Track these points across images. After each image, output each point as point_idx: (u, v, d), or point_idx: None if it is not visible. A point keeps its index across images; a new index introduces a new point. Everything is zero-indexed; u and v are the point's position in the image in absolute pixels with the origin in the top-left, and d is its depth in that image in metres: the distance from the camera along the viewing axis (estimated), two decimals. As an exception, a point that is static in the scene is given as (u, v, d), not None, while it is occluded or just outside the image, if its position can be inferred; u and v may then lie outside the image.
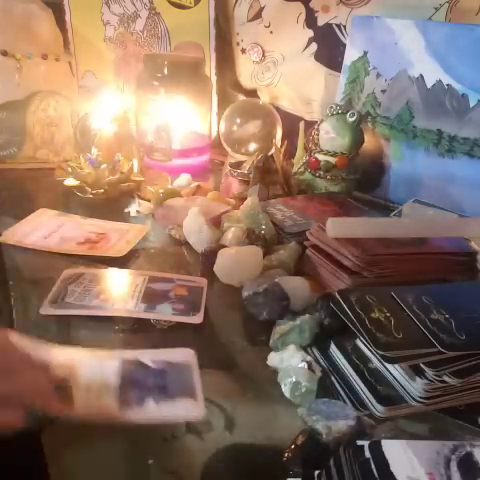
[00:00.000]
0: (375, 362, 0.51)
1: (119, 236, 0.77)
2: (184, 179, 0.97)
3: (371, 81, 0.95)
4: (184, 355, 0.52)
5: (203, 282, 0.67)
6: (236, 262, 0.66)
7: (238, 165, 0.95)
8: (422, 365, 0.45)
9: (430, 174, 0.90)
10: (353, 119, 0.89)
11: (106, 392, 0.46)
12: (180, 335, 0.57)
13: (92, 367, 0.49)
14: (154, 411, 0.44)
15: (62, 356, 0.49)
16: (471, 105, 0.82)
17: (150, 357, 0.51)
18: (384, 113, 0.94)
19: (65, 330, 0.57)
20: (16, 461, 0.45)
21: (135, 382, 0.48)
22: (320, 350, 0.55)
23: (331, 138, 0.91)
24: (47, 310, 0.58)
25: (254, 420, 0.46)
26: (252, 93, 1.20)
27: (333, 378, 0.51)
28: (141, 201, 0.90)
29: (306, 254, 0.69)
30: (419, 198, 0.86)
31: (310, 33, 1.05)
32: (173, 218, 0.81)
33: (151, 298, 0.61)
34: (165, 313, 0.59)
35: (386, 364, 0.48)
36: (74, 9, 1.14)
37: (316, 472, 0.37)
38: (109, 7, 1.16)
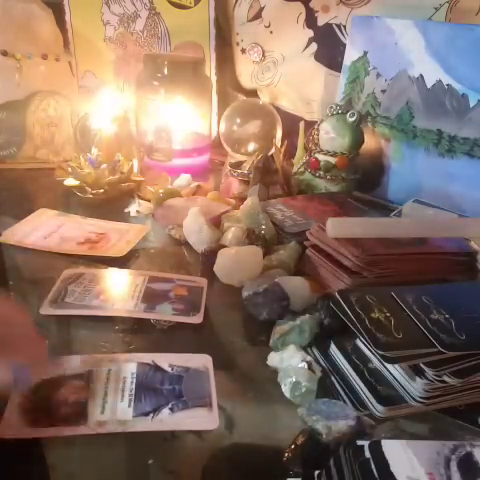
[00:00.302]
0: (375, 362, 0.51)
1: (119, 236, 0.77)
2: (184, 179, 0.97)
3: (371, 81, 0.95)
4: (201, 361, 0.52)
5: (203, 282, 0.66)
6: (236, 262, 0.66)
7: (238, 165, 0.95)
8: (422, 365, 0.45)
9: (430, 174, 0.90)
10: (353, 119, 0.89)
11: (122, 401, 0.46)
12: (180, 335, 0.57)
13: (109, 373, 0.49)
14: (169, 422, 0.44)
15: (79, 364, 0.50)
16: (471, 105, 0.82)
17: (167, 361, 0.51)
18: (384, 113, 0.94)
19: (65, 330, 0.57)
20: (16, 461, 0.45)
21: (151, 388, 0.48)
22: (320, 350, 0.55)
23: (331, 138, 0.91)
24: (47, 310, 0.58)
25: (254, 420, 0.46)
26: (252, 93, 1.20)
27: (333, 378, 0.51)
28: (141, 201, 0.90)
29: (306, 254, 0.69)
30: (419, 198, 0.86)
31: (310, 33, 1.05)
32: (173, 218, 0.81)
33: (151, 298, 0.61)
34: (165, 313, 0.59)
35: (386, 364, 0.48)
36: (74, 9, 1.14)
37: (316, 472, 0.37)
38: (109, 7, 1.16)
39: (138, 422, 0.44)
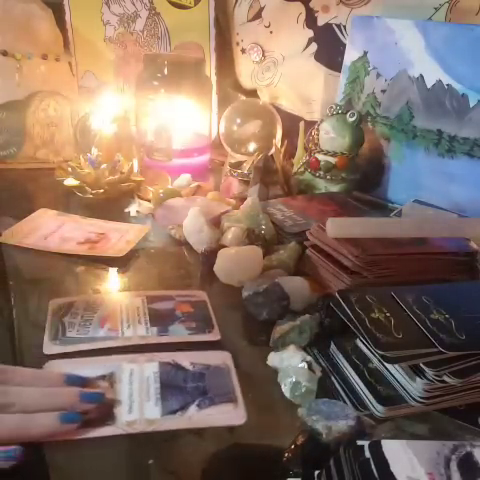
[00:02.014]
0: (375, 362, 0.51)
1: (119, 236, 0.77)
2: (184, 179, 0.97)
3: (371, 81, 0.95)
4: (221, 358, 0.52)
5: (203, 295, 0.64)
6: (236, 262, 0.66)
7: (238, 165, 0.95)
8: (422, 365, 0.45)
9: (430, 174, 0.90)
10: (353, 119, 0.89)
11: (148, 400, 0.46)
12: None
13: (132, 373, 0.49)
14: (197, 419, 0.44)
15: (101, 366, 0.49)
16: (471, 105, 0.82)
17: (187, 359, 0.51)
18: (384, 113, 0.94)
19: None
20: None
21: (175, 386, 0.48)
22: (320, 350, 0.55)
23: (331, 138, 0.91)
24: (51, 349, 0.52)
25: (254, 420, 0.46)
26: (252, 93, 1.20)
27: (333, 378, 0.51)
28: (141, 201, 0.89)
29: (306, 254, 0.69)
30: (419, 198, 0.86)
31: (310, 33, 1.05)
32: (173, 218, 0.81)
33: (159, 320, 0.58)
34: (179, 334, 0.56)
35: (386, 364, 0.48)
36: (74, 9, 1.14)
37: (316, 472, 0.37)
38: (109, 7, 1.16)
39: (167, 420, 0.44)
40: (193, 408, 0.45)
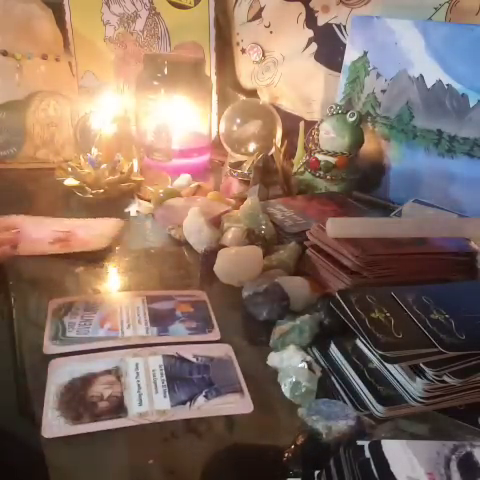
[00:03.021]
0: (375, 362, 0.51)
1: (86, 231, 0.76)
2: (184, 179, 0.97)
3: (371, 81, 0.95)
4: (223, 350, 0.53)
5: (203, 295, 0.64)
6: (236, 262, 0.66)
7: (238, 165, 0.95)
8: (422, 365, 0.45)
9: (430, 174, 0.90)
10: (353, 119, 0.89)
11: (156, 392, 0.47)
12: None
13: (137, 367, 0.50)
14: (206, 409, 0.46)
15: (105, 361, 0.50)
16: (471, 105, 0.82)
17: (191, 352, 0.53)
18: (384, 113, 0.94)
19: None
20: (16, 461, 0.45)
21: (181, 378, 0.49)
22: (320, 350, 0.55)
23: (331, 138, 0.91)
24: (51, 349, 0.52)
25: (254, 420, 0.46)
26: (252, 93, 1.20)
27: (333, 378, 0.51)
28: (141, 201, 0.89)
29: (306, 254, 0.69)
30: (419, 198, 0.86)
31: (310, 33, 1.05)
32: (173, 218, 0.81)
33: (159, 320, 0.58)
34: (180, 334, 0.56)
35: (386, 364, 0.48)
36: (74, 9, 1.14)
37: (316, 472, 0.37)
38: (109, 7, 1.16)
39: (177, 411, 0.45)
40: (201, 399, 0.47)
